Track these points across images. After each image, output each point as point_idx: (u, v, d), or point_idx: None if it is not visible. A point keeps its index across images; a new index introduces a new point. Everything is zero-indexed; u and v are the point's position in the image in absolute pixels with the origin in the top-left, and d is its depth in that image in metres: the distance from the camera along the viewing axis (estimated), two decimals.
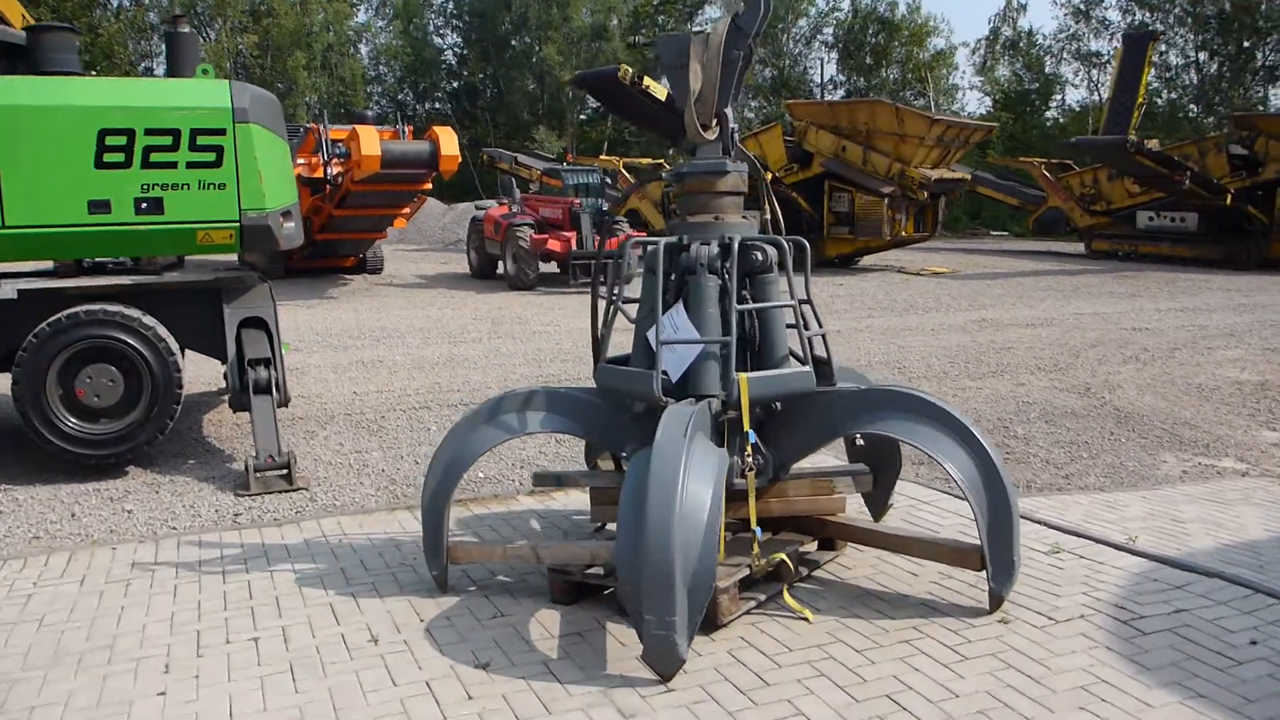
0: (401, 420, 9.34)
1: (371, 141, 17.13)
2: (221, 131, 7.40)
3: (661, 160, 35.01)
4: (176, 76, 7.95)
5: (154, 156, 7.27)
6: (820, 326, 4.72)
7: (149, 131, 7.23)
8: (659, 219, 27.95)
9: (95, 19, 44.52)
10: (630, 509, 3.87)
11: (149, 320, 7.28)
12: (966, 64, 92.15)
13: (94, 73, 25.70)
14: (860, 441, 5.28)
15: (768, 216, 5.05)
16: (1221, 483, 7.21)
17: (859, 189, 24.74)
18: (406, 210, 21.28)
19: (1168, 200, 28.51)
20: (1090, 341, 14.33)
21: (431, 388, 10.92)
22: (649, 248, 4.74)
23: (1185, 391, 10.81)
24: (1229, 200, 26.66)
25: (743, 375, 4.39)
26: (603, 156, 34.35)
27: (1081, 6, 51.58)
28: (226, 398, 9.10)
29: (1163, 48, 45.06)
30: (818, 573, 4.99)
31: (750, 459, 4.36)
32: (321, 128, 20.54)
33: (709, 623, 4.18)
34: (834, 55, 54.87)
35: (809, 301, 4.64)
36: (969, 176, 28.53)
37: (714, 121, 4.75)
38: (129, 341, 7.18)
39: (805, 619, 4.40)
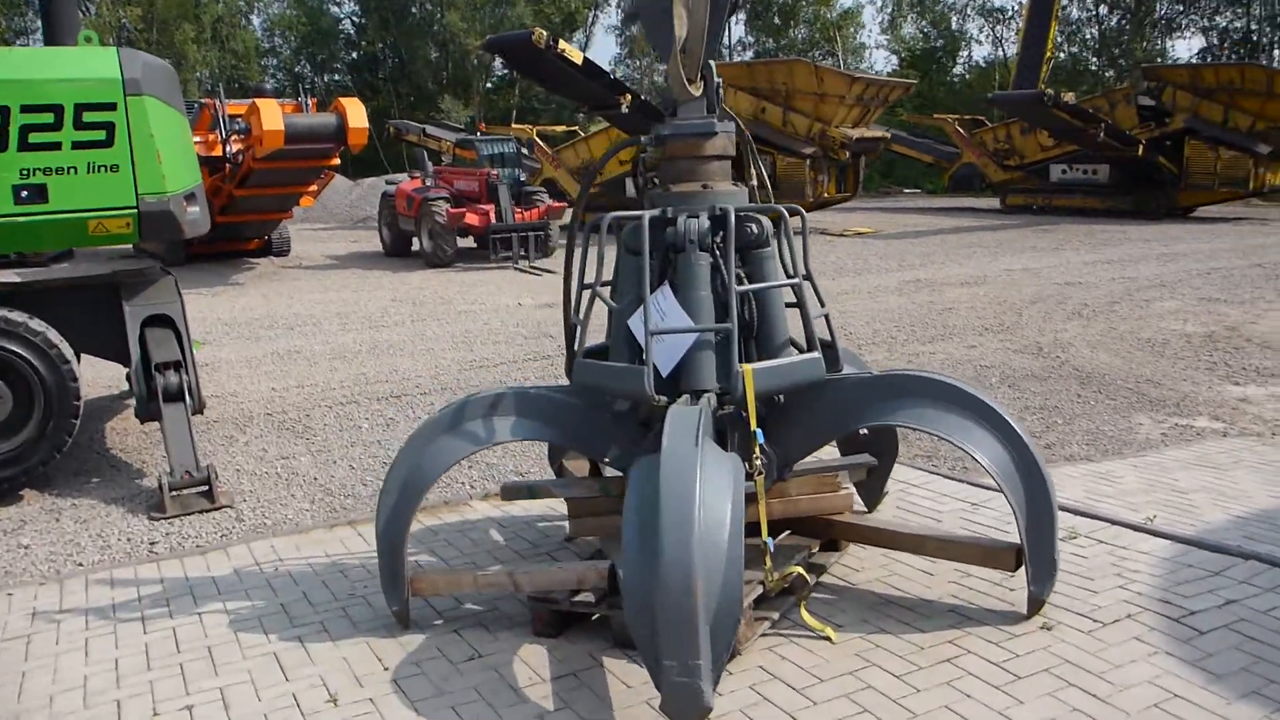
0: (329, 418, 8.58)
1: (273, 115, 16.05)
2: (111, 106, 6.53)
3: (575, 127, 34.15)
4: (56, 46, 7.02)
5: (34, 137, 6.37)
6: (823, 305, 4.18)
7: (26, 109, 6.33)
8: (576, 188, 27.20)
9: None
10: (637, 533, 3.29)
11: (37, 324, 6.42)
12: (873, 23, 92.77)
13: None
14: (864, 431, 4.78)
15: (754, 183, 4.47)
16: (1205, 445, 6.93)
17: (780, 151, 24.33)
18: (313, 187, 20.18)
19: (1080, 153, 28.79)
20: (1029, 298, 14.14)
21: (357, 379, 10.15)
22: (628, 223, 4.13)
23: (1136, 347, 10.62)
24: (1140, 151, 26.99)
25: (747, 366, 3.83)
26: (514, 125, 33.33)
27: None
28: (132, 403, 8.23)
29: (1065, 1, 45.56)
30: (825, 577, 4.48)
31: (758, 461, 3.81)
32: (218, 102, 19.31)
33: None
34: (742, 16, 54.34)
35: (810, 278, 4.09)
36: (888, 135, 28.33)
37: (699, 75, 4.15)
38: (15, 350, 6.31)
39: (828, 639, 3.89)
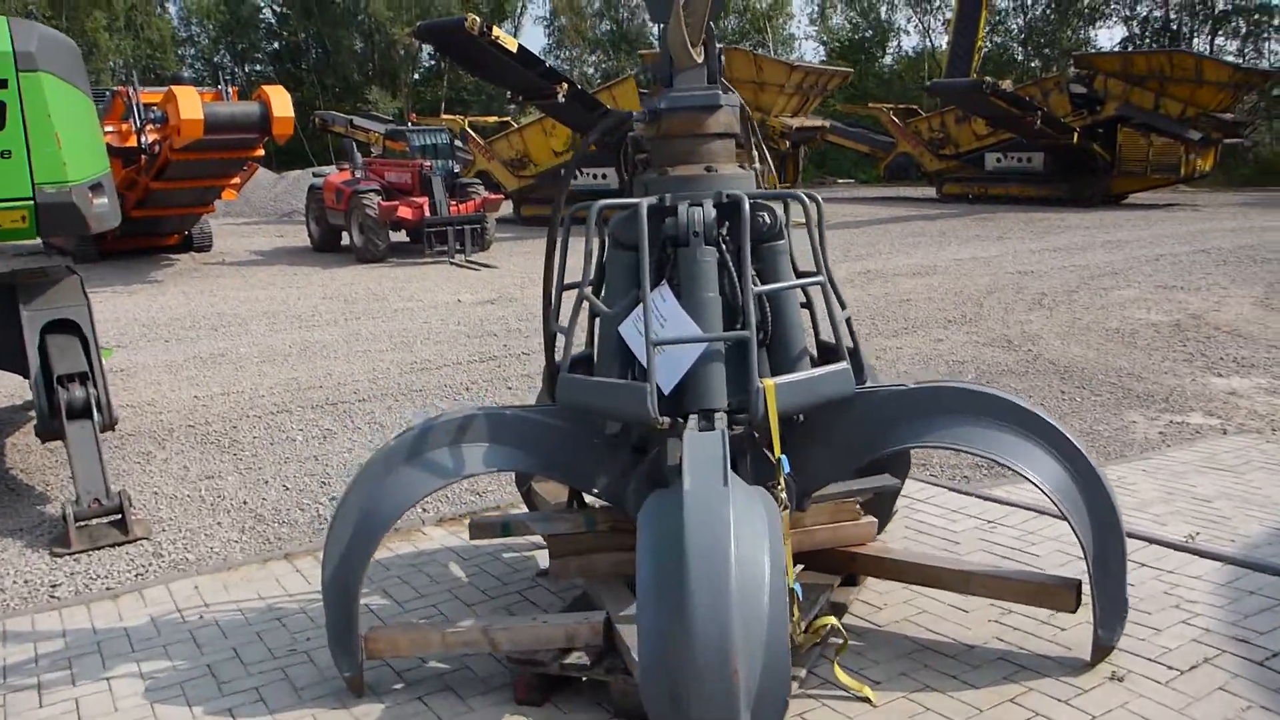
0: (258, 430, 7.79)
1: (191, 104, 15.02)
2: (1, 83, 5.69)
3: (507, 118, 33.28)
4: None
5: None
6: (843, 306, 3.59)
7: None
8: (511, 179, 26.43)
9: None
10: (654, 592, 2.67)
11: None
12: (802, 13, 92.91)
13: None
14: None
15: (758, 166, 3.87)
16: (1209, 444, 6.52)
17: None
18: (236, 180, 19.11)
19: (1014, 141, 28.82)
20: (984, 288, 13.80)
21: (288, 385, 9.34)
22: (617, 213, 3.50)
23: (1106, 338, 10.28)
24: (1075, 139, 27.05)
25: (769, 382, 3.22)
26: (445, 116, 32.35)
27: None
28: (33, 418, 7.36)
29: None
30: (846, 618, 3.90)
31: (781, 493, 3.21)
32: (131, 90, 18.14)
33: None
34: None
35: (830, 275, 3.51)
36: (828, 124, 28.04)
37: (701, 38, 3.53)
38: None
39: (867, 701, 3.31)
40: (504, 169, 26.48)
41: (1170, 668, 3.44)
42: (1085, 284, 13.94)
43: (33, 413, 8.15)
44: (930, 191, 32.11)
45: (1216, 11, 44.12)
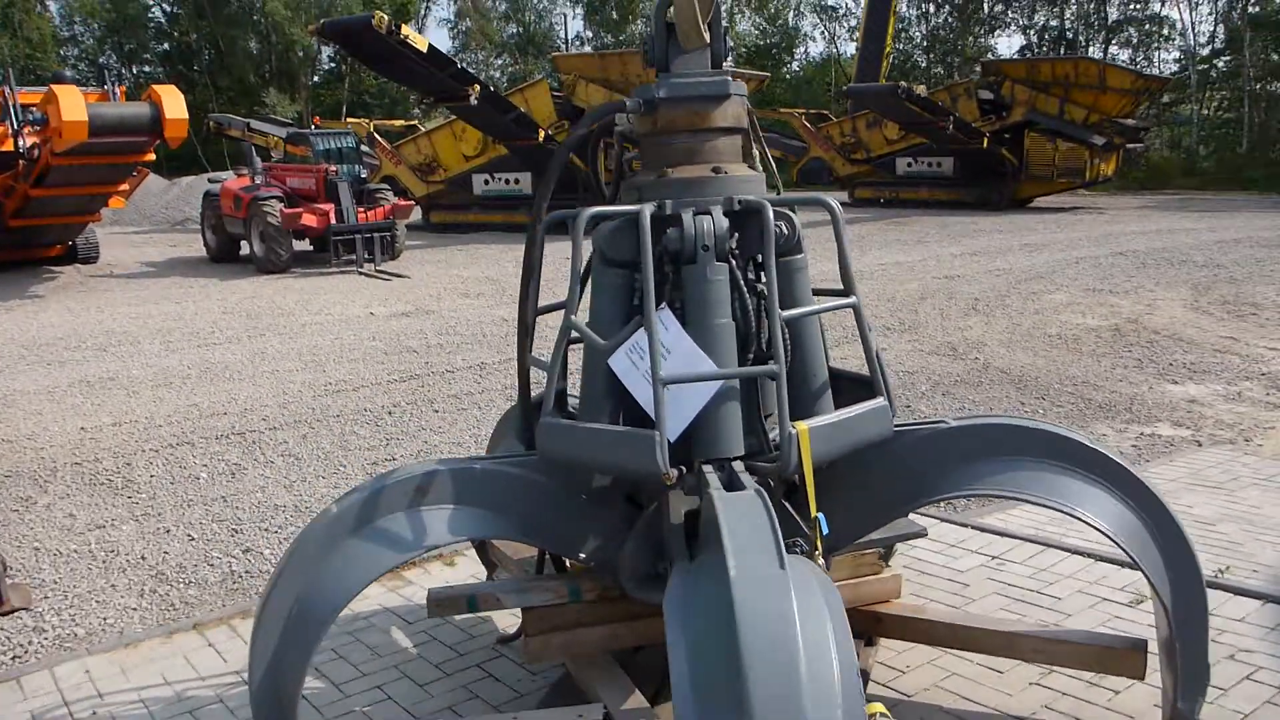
0: (156, 467, 6.96)
1: (74, 104, 13.88)
2: None
3: (414, 122, 32.28)
4: None
5: None
6: (869, 330, 3.06)
7: None
8: (419, 185, 25.53)
9: None
10: (695, 699, 2.08)
11: None
12: None
13: None
14: None
15: (759, 169, 3.31)
16: (1188, 458, 6.22)
17: (634, 144, 23.25)
18: (124, 186, 17.85)
19: (925, 146, 29.04)
20: (915, 294, 13.55)
21: (188, 412, 8.48)
22: (607, 223, 2.91)
23: (1050, 344, 10.05)
24: (985, 143, 27.34)
25: (802, 425, 2.67)
26: (349, 120, 31.18)
27: None
28: None
29: None
30: (870, 687, 3.37)
31: (820, 559, 2.66)
32: (7, 90, 16.81)
33: None
34: (579, 10, 53.22)
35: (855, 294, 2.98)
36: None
37: (710, 13, 2.97)
38: None
39: None
40: (412, 174, 25.58)
41: None
42: (1014, 288, 13.80)
43: None
44: (843, 196, 32.18)
45: (1110, 21, 45.45)
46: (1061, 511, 2.84)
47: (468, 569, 4.69)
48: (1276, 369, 8.59)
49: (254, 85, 46.28)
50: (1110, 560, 4.37)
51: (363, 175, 20.33)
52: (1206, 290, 12.93)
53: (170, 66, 50.12)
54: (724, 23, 3.04)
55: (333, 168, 19.12)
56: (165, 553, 5.36)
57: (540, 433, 2.86)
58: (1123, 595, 4.08)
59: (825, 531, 2.67)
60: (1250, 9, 40.14)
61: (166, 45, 51.41)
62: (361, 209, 18.78)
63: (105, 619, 4.62)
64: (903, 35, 50.40)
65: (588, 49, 51.26)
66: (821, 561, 2.65)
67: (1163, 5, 57.03)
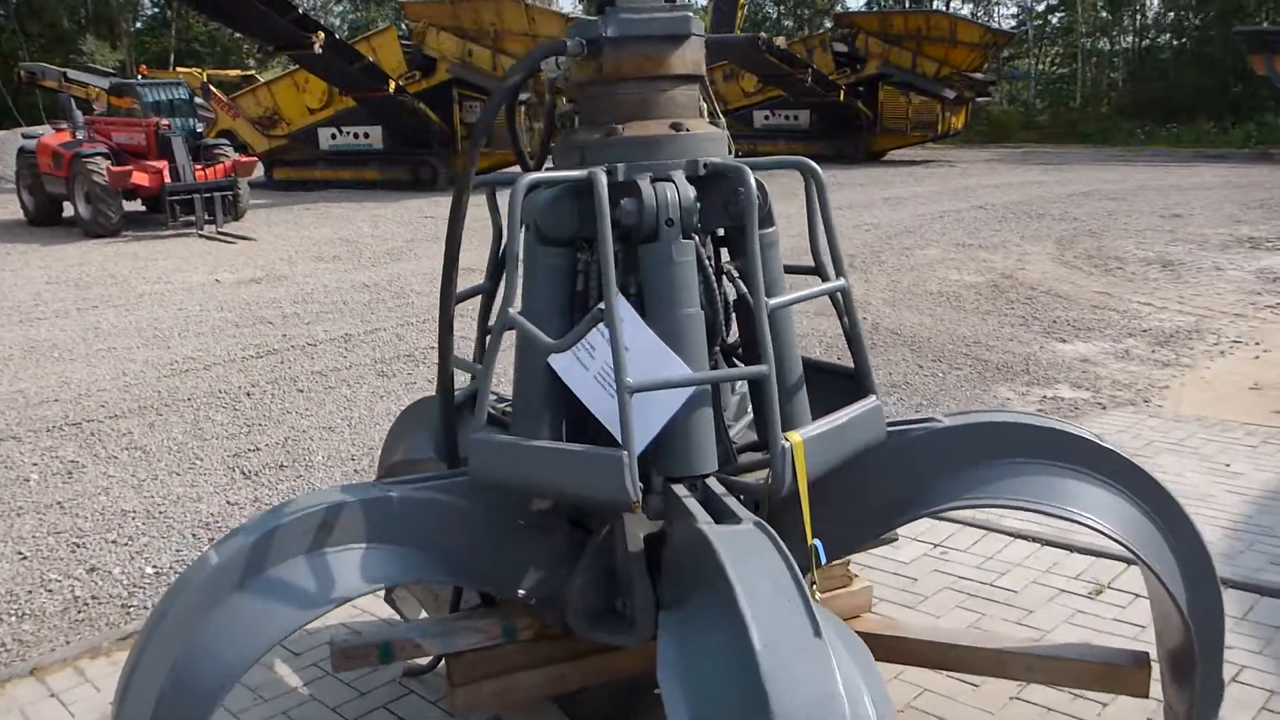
0: None
1: None
2: None
3: (251, 72, 30.30)
4: None
5: None
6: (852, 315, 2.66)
7: None
8: (260, 140, 23.98)
9: None
10: None
11: None
12: None
13: None
14: None
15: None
16: (1095, 422, 6.13)
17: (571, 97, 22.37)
18: None
19: (781, 99, 29.04)
20: (788, 252, 13.34)
21: (11, 400, 7.49)
22: (543, 192, 2.38)
23: (933, 302, 9.98)
24: (841, 96, 27.53)
25: (796, 436, 2.24)
26: (179, 69, 29.00)
27: None
28: None
29: None
30: None
31: (816, 589, 2.24)
32: None
33: None
34: None
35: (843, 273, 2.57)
36: None
37: None
38: None
39: None
40: (252, 128, 23.99)
41: None
42: (886, 244, 13.77)
43: None
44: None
45: None
46: (1073, 521, 2.50)
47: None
48: (1156, 325, 8.70)
49: (69, 31, 42.63)
50: (1055, 544, 4.15)
51: (198, 129, 18.83)
52: (1070, 244, 13.17)
53: None
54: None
55: (164, 121, 17.62)
56: None
57: (473, 451, 2.33)
58: (1080, 585, 3.85)
59: (823, 561, 2.25)
60: None
61: None
62: (199, 166, 17.39)
63: None
64: None
65: None
66: (819, 596, 2.23)
67: None
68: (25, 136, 20.58)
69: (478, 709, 2.70)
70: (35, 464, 6.07)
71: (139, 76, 21.51)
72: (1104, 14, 42.99)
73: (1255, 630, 3.47)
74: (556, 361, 2.40)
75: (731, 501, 2.21)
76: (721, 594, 1.86)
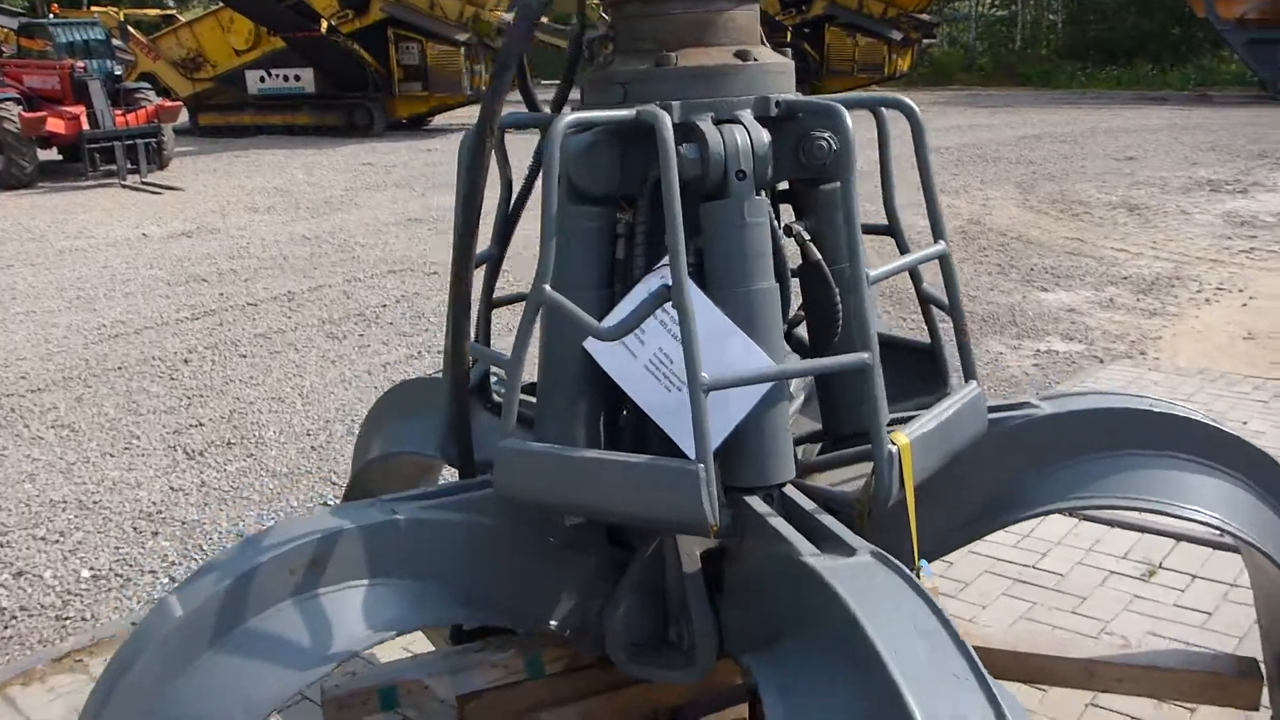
0: None
1: None
2: None
3: (172, 11, 28.76)
4: None
5: None
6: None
7: None
8: (184, 83, 22.80)
9: None
10: None
11: None
12: None
13: None
14: None
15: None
16: (1096, 377, 5.87)
17: (430, 38, 21.50)
18: None
19: None
20: None
21: None
22: (580, 136, 1.90)
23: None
24: (789, 37, 26.95)
25: (902, 437, 1.83)
26: (94, 8, 27.39)
27: None
28: None
29: None
30: None
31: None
32: None
33: None
34: None
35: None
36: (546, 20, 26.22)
37: None
38: None
39: None
40: (174, 71, 22.80)
41: None
42: None
43: None
44: None
45: None
46: (1196, 522, 2.14)
47: None
48: (1135, 271, 8.46)
49: None
50: (1094, 520, 3.82)
51: (117, 72, 17.74)
52: (1031, 189, 12.92)
53: None
54: None
55: (80, 64, 16.52)
56: None
57: (501, 462, 1.88)
58: (1129, 566, 3.53)
59: (930, 578, 1.86)
60: None
61: None
62: (119, 111, 16.36)
63: None
64: None
65: None
66: None
67: None
68: None
69: None
70: None
71: (50, 16, 20.15)
72: None
73: None
74: (595, 347, 1.95)
75: (829, 520, 1.79)
76: (855, 653, 1.45)
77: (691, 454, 1.80)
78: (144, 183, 15.70)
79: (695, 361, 1.70)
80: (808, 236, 2.09)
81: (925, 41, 29.05)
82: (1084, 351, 6.43)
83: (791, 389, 2.51)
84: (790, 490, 1.95)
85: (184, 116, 21.01)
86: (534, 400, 2.21)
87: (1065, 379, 5.89)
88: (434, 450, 2.50)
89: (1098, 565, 3.54)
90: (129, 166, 15.98)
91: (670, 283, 1.75)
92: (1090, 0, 40.62)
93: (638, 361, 1.93)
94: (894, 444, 1.82)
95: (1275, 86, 23.76)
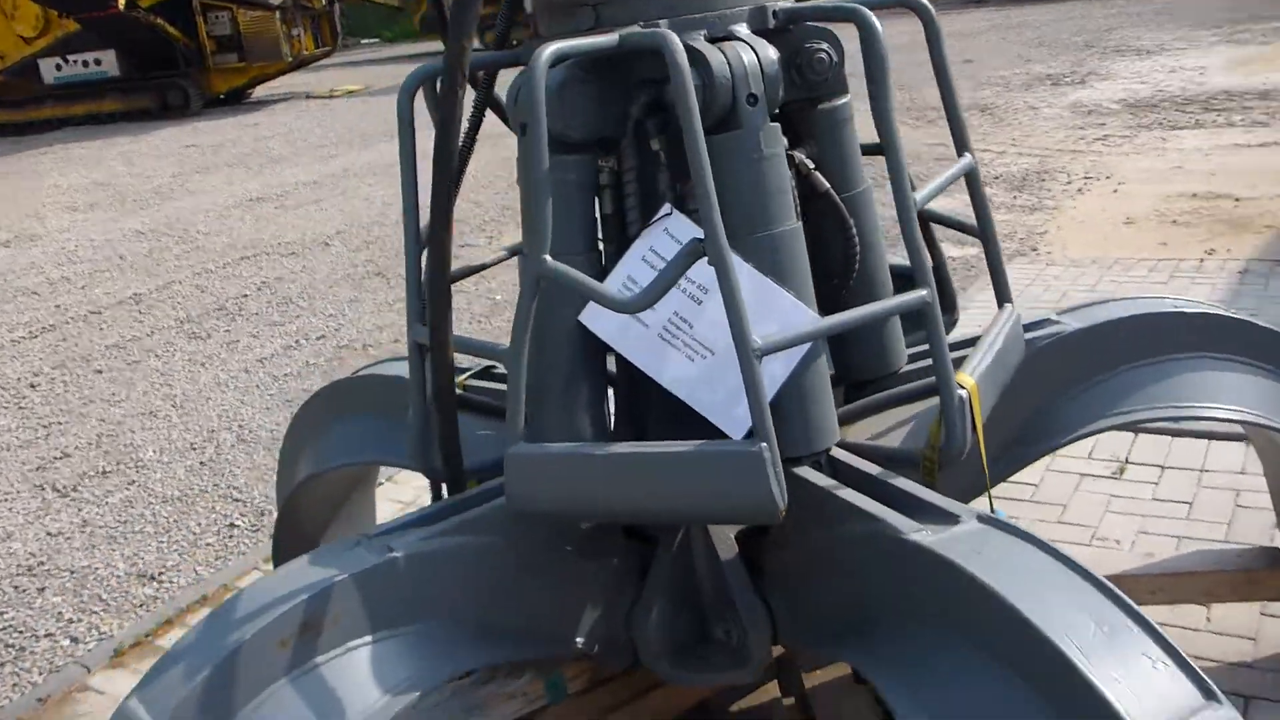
0: None
1: None
2: None
3: None
4: None
5: None
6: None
7: None
8: None
9: None
10: None
11: None
12: None
13: None
14: None
15: None
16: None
17: (241, 4, 20.15)
18: None
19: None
20: None
21: None
22: (560, 71, 1.58)
23: None
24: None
25: (966, 378, 1.61)
26: None
27: None
28: None
29: None
30: None
31: None
32: None
33: None
34: None
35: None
36: None
37: None
38: None
39: None
40: None
41: None
42: None
43: None
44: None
45: None
46: (1251, 424, 2.01)
47: None
48: (1004, 170, 8.55)
49: None
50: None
51: None
52: None
53: None
54: None
55: None
56: None
57: (514, 471, 1.57)
58: (1099, 466, 3.47)
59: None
60: None
61: None
62: None
63: None
64: None
65: None
66: None
67: None
68: None
69: None
70: None
71: None
72: None
73: None
74: (597, 322, 1.66)
75: (908, 485, 1.56)
76: (1008, 638, 1.24)
77: (734, 432, 1.55)
78: None
79: (744, 323, 1.43)
80: (812, 165, 1.83)
81: None
82: (978, 255, 6.42)
83: None
84: (839, 453, 1.72)
85: None
86: (503, 390, 1.92)
87: (970, 285, 5.86)
88: (382, 457, 2.18)
89: (1067, 470, 3.47)
90: None
91: (701, 235, 1.47)
92: None
93: (650, 331, 1.65)
94: (964, 388, 1.60)
95: None
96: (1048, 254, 6.25)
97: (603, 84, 1.64)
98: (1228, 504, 3.12)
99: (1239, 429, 2.51)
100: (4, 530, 4.31)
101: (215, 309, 7.28)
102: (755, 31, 1.66)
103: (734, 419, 1.59)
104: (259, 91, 22.90)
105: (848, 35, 1.86)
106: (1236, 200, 6.96)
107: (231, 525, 4.16)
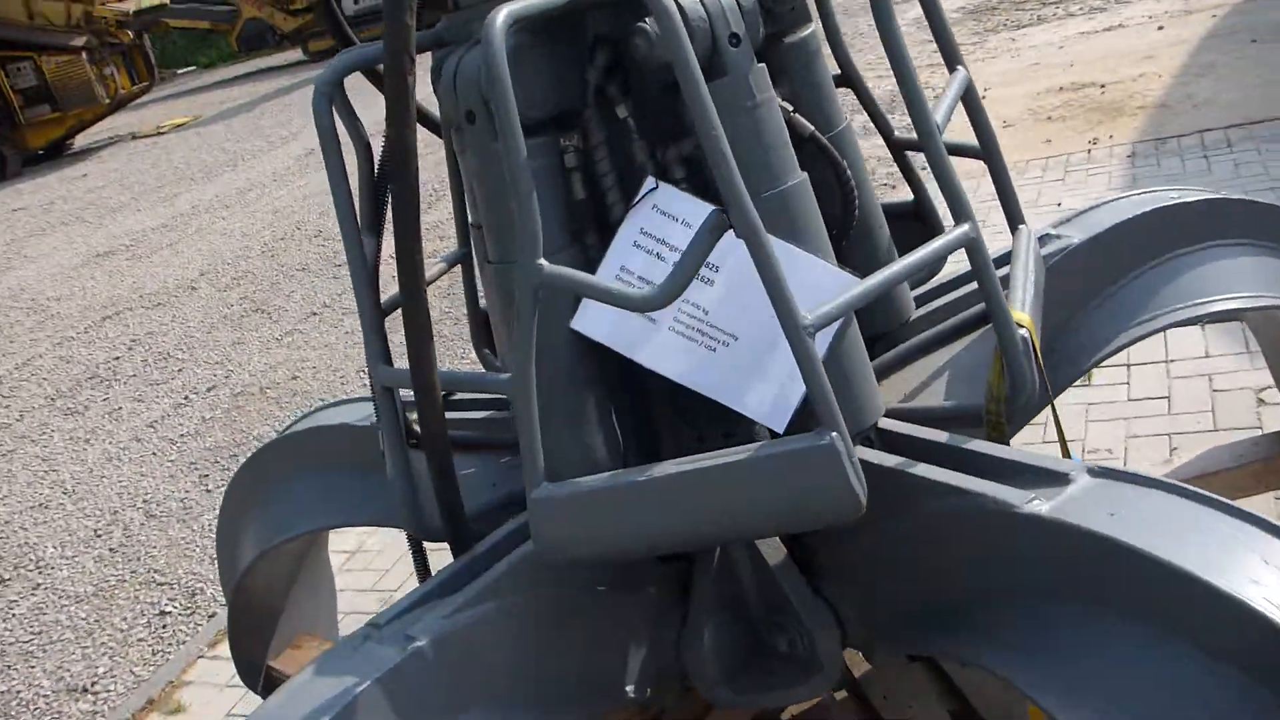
0: None
1: None
2: None
3: None
4: None
5: None
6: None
7: None
8: None
9: None
10: None
11: None
12: None
13: None
14: None
15: None
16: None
17: (42, 50, 18.86)
18: None
19: None
20: None
21: None
22: (513, 37, 1.33)
23: None
24: None
25: (1025, 316, 1.44)
26: None
27: None
28: None
29: None
30: None
31: None
32: None
33: None
34: None
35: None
36: (168, 1, 23.70)
37: None
38: None
39: None
40: None
41: None
42: None
43: None
44: (297, 54, 29.14)
45: None
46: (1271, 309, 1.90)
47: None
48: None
49: None
50: None
51: None
52: None
53: None
54: None
55: None
56: None
57: (541, 519, 1.33)
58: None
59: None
60: None
61: None
62: None
63: None
64: None
65: None
66: None
67: None
68: None
69: None
70: None
71: None
72: None
73: None
74: (594, 326, 1.43)
75: (990, 448, 1.38)
76: (1187, 606, 1.06)
77: (776, 424, 1.35)
78: None
79: (789, 300, 1.22)
80: (790, 107, 1.62)
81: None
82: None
83: None
84: (888, 423, 1.52)
85: None
86: (474, 416, 1.68)
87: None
88: (348, 519, 1.92)
89: None
90: None
91: (708, 208, 1.25)
92: None
93: (659, 327, 1.43)
94: (1024, 327, 1.42)
95: None
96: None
97: (555, 48, 1.40)
98: (1204, 391, 3.08)
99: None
100: None
101: (87, 378, 6.73)
102: None
103: (775, 410, 1.38)
104: (80, 140, 21.59)
105: None
106: (1102, 87, 7.06)
107: (162, 613, 3.78)
